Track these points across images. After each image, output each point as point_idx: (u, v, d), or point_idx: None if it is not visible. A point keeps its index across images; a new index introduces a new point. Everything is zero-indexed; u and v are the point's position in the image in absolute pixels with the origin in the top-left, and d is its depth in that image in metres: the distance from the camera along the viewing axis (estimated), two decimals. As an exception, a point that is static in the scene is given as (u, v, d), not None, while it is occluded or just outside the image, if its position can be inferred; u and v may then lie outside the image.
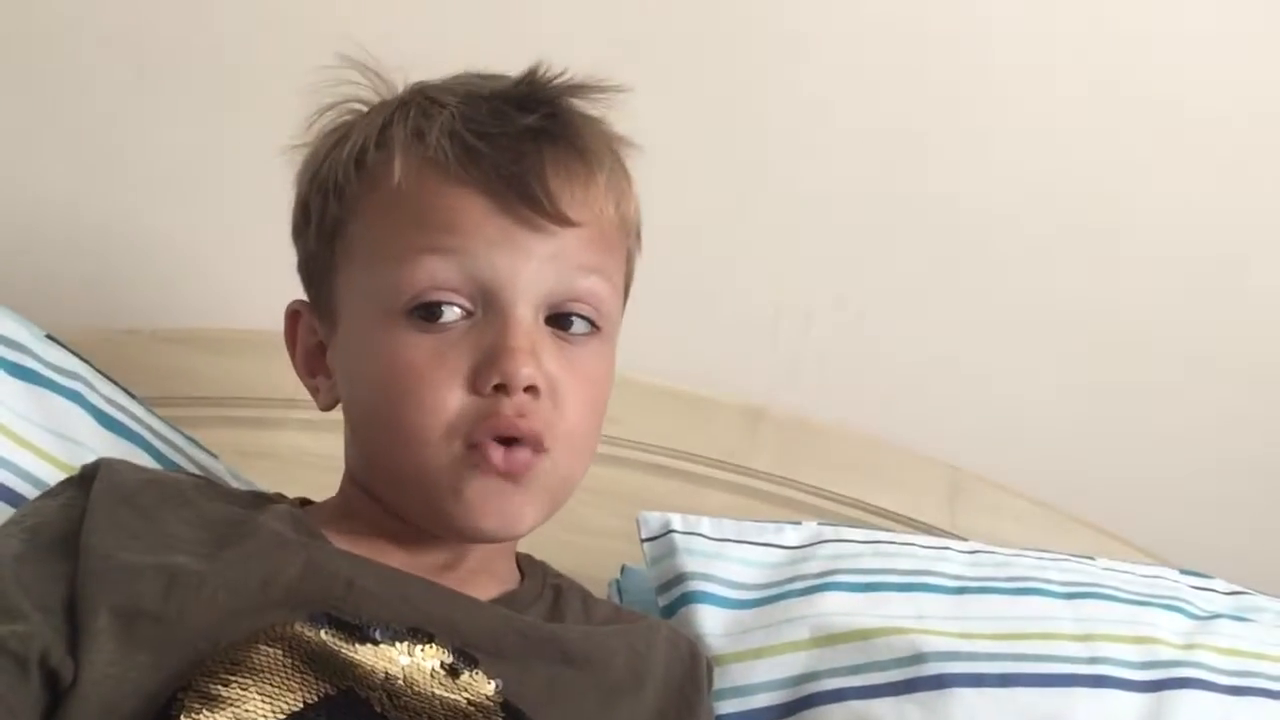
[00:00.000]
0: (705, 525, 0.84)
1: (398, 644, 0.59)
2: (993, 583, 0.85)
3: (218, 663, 0.55)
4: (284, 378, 0.74)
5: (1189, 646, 0.82)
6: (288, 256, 0.72)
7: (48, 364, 0.79)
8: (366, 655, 0.58)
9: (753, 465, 1.03)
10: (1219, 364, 1.17)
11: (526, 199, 0.63)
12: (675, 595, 0.81)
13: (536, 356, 0.63)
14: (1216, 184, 1.15)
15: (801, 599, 0.80)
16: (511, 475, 0.63)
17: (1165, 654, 0.81)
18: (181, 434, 0.85)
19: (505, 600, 0.67)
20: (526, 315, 0.63)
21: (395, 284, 0.63)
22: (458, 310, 0.63)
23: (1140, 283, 1.16)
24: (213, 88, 1.04)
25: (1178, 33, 1.13)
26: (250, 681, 0.55)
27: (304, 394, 0.72)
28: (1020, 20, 1.11)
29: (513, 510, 0.64)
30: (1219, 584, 0.92)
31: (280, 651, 0.56)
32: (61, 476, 0.70)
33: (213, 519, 0.64)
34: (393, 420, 0.63)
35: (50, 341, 0.82)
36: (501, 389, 0.62)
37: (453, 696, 0.58)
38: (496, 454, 0.62)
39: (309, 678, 0.56)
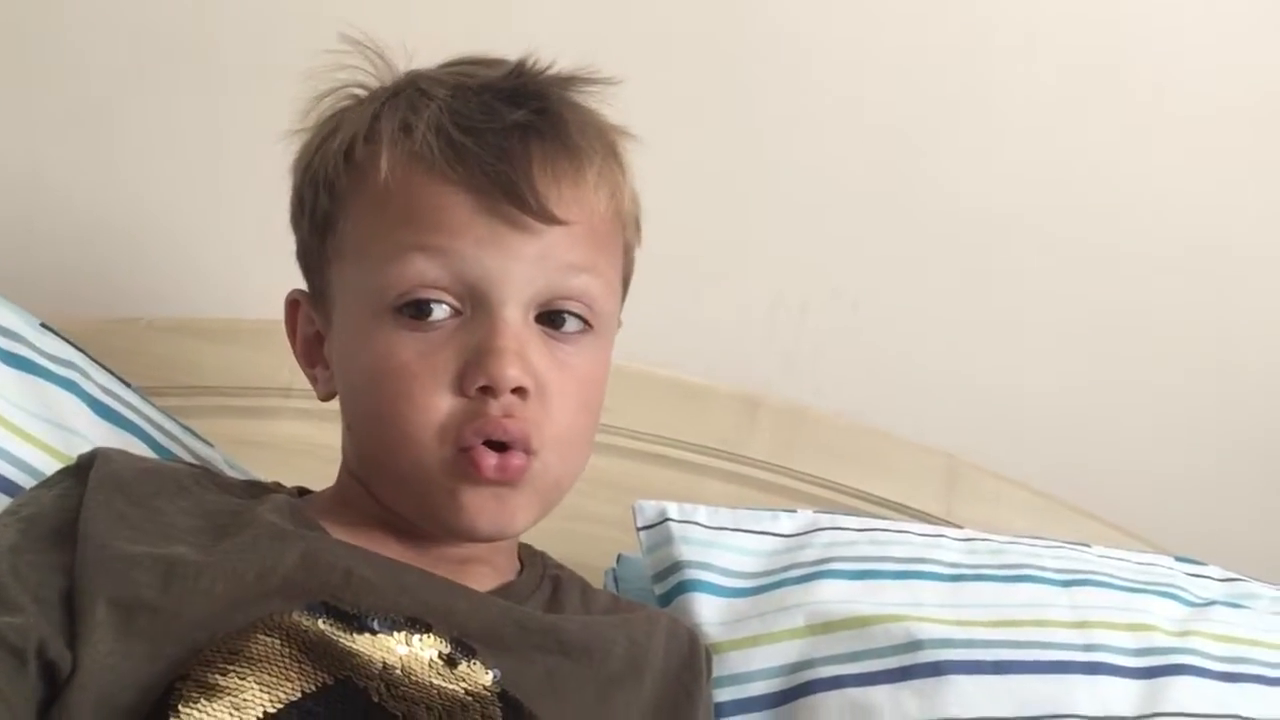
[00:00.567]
0: (701, 514, 0.84)
1: (395, 634, 0.59)
2: (988, 570, 0.85)
3: (215, 652, 0.55)
4: (280, 367, 0.74)
5: (1184, 633, 0.82)
6: (284, 245, 0.72)
7: (43, 353, 0.79)
8: (364, 645, 0.58)
9: (749, 454, 1.03)
10: (1217, 353, 1.17)
11: (513, 198, 0.62)
12: (671, 584, 0.81)
13: (524, 358, 0.62)
14: (1218, 174, 1.15)
15: (797, 587, 0.81)
16: (505, 482, 0.63)
17: (1160, 641, 0.81)
18: (178, 423, 0.85)
19: (503, 591, 0.67)
20: (515, 315, 0.63)
21: (383, 282, 0.63)
22: (446, 308, 0.63)
23: (1137, 273, 1.16)
24: (210, 75, 1.04)
25: (1179, 24, 1.12)
26: (248, 671, 0.55)
27: (300, 383, 0.72)
28: (1019, 12, 1.11)
29: (506, 514, 0.64)
30: (1214, 571, 0.92)
31: (278, 641, 0.56)
32: (57, 466, 0.71)
33: (210, 509, 0.64)
34: (385, 419, 0.63)
35: (45, 330, 0.81)
36: (488, 391, 0.62)
37: (450, 686, 0.58)
38: (489, 461, 0.62)
39: (307, 667, 0.56)
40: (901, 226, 1.13)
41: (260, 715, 0.54)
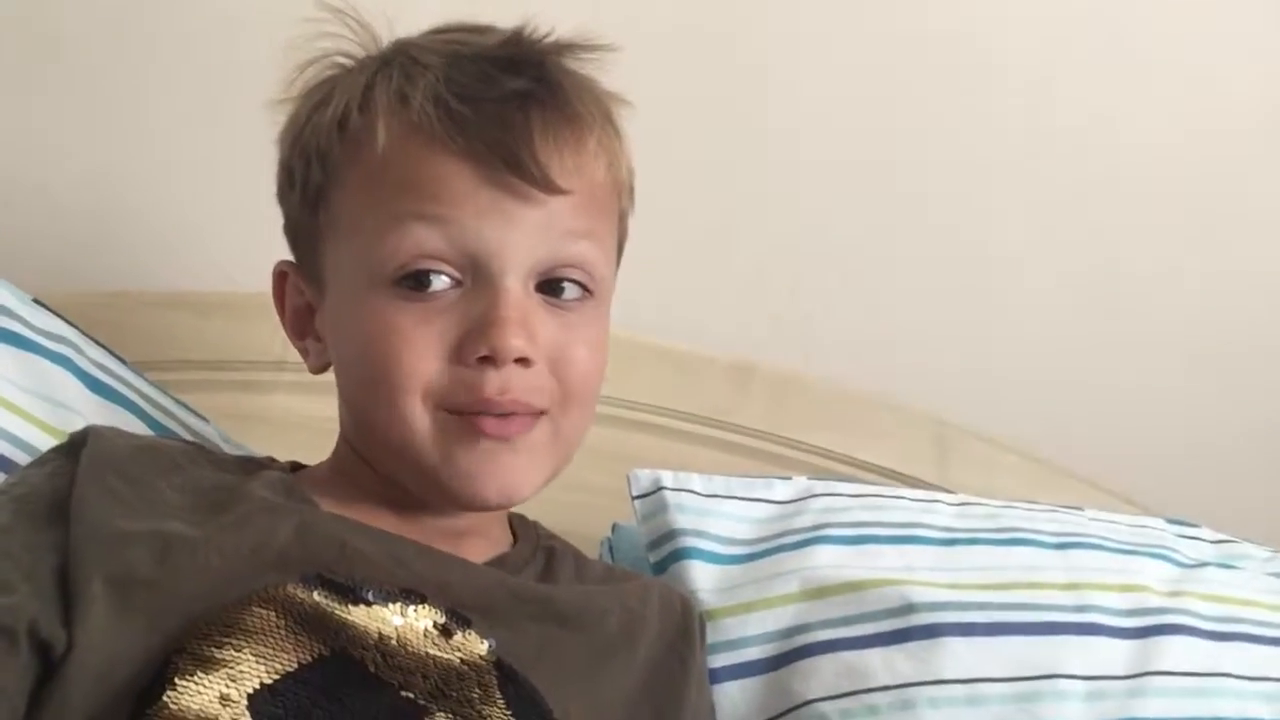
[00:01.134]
0: (696, 482, 0.84)
1: (390, 605, 0.59)
2: (982, 534, 0.85)
3: (211, 626, 0.56)
4: (273, 340, 0.73)
5: (1175, 594, 0.83)
6: (276, 218, 0.71)
7: (35, 328, 0.78)
8: (359, 616, 0.58)
9: (742, 422, 1.03)
10: (1212, 315, 1.17)
11: (515, 168, 0.62)
12: (666, 552, 0.81)
13: (527, 327, 0.62)
14: (1218, 129, 1.14)
15: (792, 553, 0.81)
16: (505, 438, 0.63)
17: (1152, 601, 0.82)
18: (172, 398, 0.85)
19: (498, 562, 0.67)
20: (516, 285, 0.63)
21: (381, 253, 0.62)
22: (446, 279, 0.63)
23: (1132, 235, 1.16)
24: (198, 47, 1.03)
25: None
26: (244, 643, 0.55)
27: (293, 356, 0.72)
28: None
29: (514, 477, 0.64)
30: (1205, 532, 0.93)
31: (273, 614, 0.56)
32: (51, 442, 0.70)
33: (203, 486, 0.64)
34: (377, 384, 0.63)
35: (37, 306, 0.81)
36: (489, 360, 0.62)
37: (446, 656, 0.58)
38: (488, 422, 0.62)
39: (303, 639, 0.56)
40: (896, 192, 1.12)
41: (257, 687, 0.54)
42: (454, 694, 0.57)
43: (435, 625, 0.59)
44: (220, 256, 1.01)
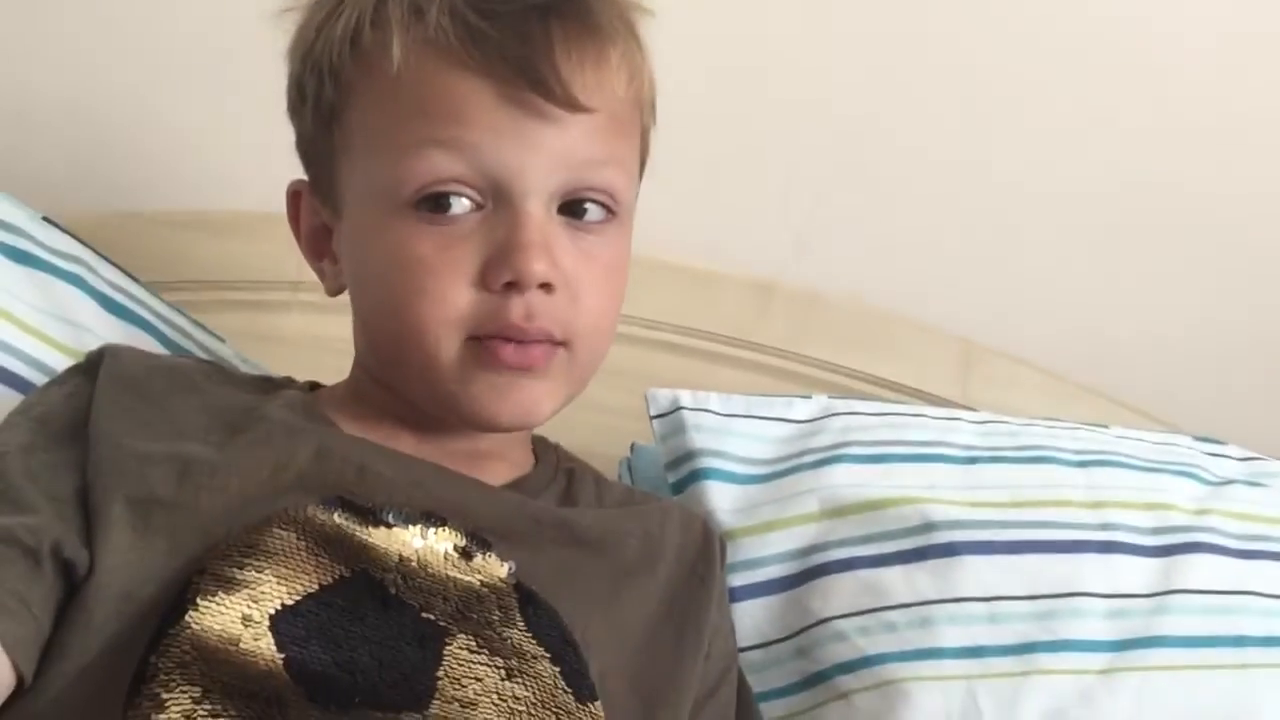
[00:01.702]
0: (714, 401, 0.84)
1: (411, 527, 0.59)
2: (1003, 452, 0.85)
3: (232, 547, 0.56)
4: (288, 260, 0.73)
5: (1201, 511, 0.83)
6: (290, 136, 0.69)
7: (47, 248, 0.78)
8: (380, 538, 0.58)
9: (762, 341, 1.03)
10: (1242, 233, 1.15)
11: (536, 85, 0.60)
12: (685, 472, 0.81)
13: (550, 251, 0.61)
14: (1241, 40, 1.11)
15: (811, 472, 0.81)
16: (524, 369, 0.62)
17: (1177, 519, 0.81)
18: (187, 318, 0.84)
19: (517, 485, 0.67)
20: (538, 208, 0.61)
21: (399, 176, 0.61)
22: (467, 202, 0.61)
23: (1159, 150, 1.13)
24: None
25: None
26: (265, 565, 0.55)
27: (309, 275, 0.71)
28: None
29: (529, 401, 0.63)
30: (1233, 450, 0.92)
31: (294, 535, 0.56)
32: (65, 361, 0.71)
33: (222, 407, 0.63)
34: (399, 314, 0.62)
35: (48, 224, 0.80)
36: (513, 286, 0.60)
37: (466, 579, 0.58)
38: (506, 350, 0.61)
39: (324, 560, 0.56)
40: (919, 106, 1.10)
41: (278, 608, 0.54)
42: (474, 616, 0.57)
43: (455, 548, 0.59)
44: (234, 175, 1.00)
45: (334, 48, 0.63)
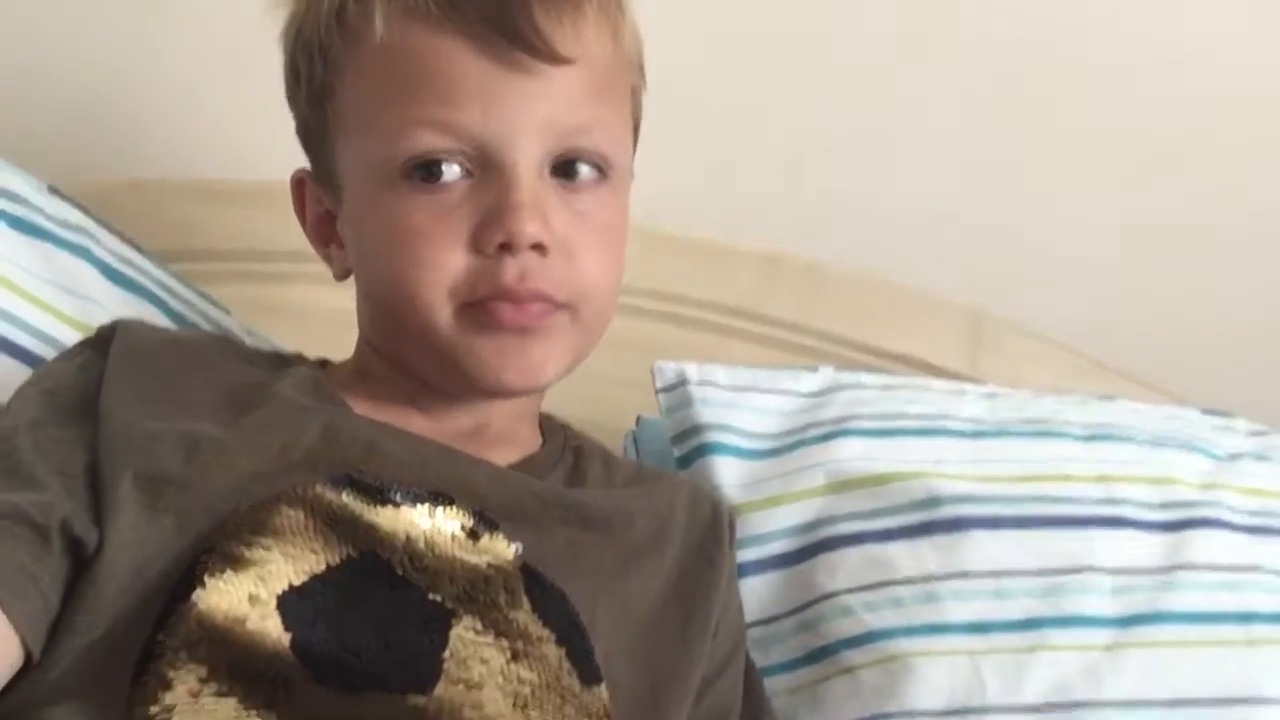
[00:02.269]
0: (720, 374, 0.84)
1: (418, 506, 0.59)
2: (1010, 426, 0.84)
3: (240, 525, 0.56)
4: (294, 230, 0.72)
5: (1209, 486, 0.82)
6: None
7: (51, 217, 0.77)
8: (387, 518, 0.58)
9: (770, 314, 1.02)
10: (1252, 204, 1.14)
11: (515, 39, 0.60)
12: (691, 446, 0.81)
13: (542, 213, 0.61)
14: (1255, 18, 1.10)
15: (817, 446, 0.80)
16: (524, 329, 0.62)
17: (1184, 494, 0.81)
18: (193, 289, 0.84)
19: (525, 465, 0.67)
20: (529, 170, 0.61)
21: (390, 149, 0.62)
22: (458, 169, 0.62)
23: (1170, 121, 1.12)
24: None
25: None
26: (273, 543, 0.55)
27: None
28: None
29: (534, 361, 0.63)
30: (1240, 424, 0.91)
31: (302, 514, 0.57)
32: (71, 333, 0.70)
33: (232, 384, 0.63)
34: (397, 284, 0.62)
35: (53, 194, 0.80)
36: (506, 248, 0.61)
37: (473, 560, 0.58)
38: (505, 310, 0.61)
39: (331, 539, 0.56)
40: (929, 76, 1.09)
41: (286, 587, 0.54)
42: (481, 597, 0.57)
43: (463, 528, 0.59)
44: (240, 144, 1.00)
45: (321, 25, 0.64)
